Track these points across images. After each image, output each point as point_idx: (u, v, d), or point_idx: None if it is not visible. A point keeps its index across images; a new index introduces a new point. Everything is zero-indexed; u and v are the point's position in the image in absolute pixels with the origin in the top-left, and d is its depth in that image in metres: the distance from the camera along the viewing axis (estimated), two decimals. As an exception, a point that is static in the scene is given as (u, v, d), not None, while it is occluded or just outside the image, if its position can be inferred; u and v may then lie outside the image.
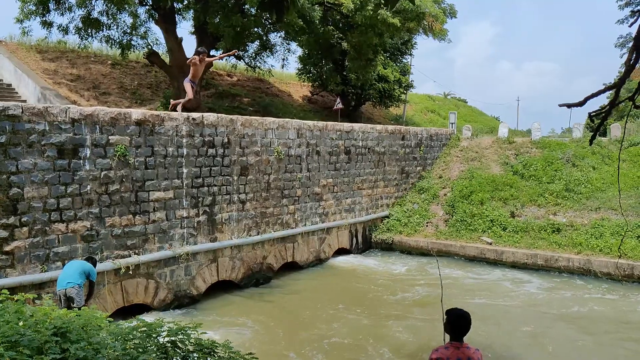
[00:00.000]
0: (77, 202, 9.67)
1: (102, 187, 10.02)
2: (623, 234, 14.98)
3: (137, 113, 10.66)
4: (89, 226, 9.82)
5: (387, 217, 18.74)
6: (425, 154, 21.02)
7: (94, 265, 8.56)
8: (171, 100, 12.03)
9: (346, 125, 16.85)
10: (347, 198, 16.96)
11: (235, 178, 12.77)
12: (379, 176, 18.49)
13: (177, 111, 11.50)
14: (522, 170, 19.26)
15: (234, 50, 11.86)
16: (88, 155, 9.79)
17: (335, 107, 22.19)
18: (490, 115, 49.73)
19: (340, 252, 16.93)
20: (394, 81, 25.29)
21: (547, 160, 19.30)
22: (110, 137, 10.14)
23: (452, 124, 25.58)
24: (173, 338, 4.35)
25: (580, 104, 2.80)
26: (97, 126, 9.95)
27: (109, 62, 19.65)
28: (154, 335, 4.34)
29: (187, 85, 11.62)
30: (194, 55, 11.24)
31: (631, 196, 16.57)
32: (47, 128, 9.26)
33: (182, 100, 12.02)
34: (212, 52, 18.61)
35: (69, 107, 9.66)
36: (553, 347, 9.72)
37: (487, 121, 42.20)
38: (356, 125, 17.43)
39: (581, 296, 12.93)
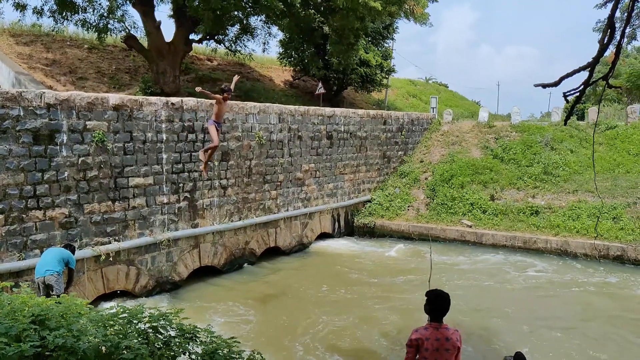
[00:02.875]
0: (55, 189, 9.51)
1: (80, 174, 9.86)
2: (598, 215, 15.31)
3: (114, 98, 10.48)
4: (67, 213, 9.68)
5: (369, 201, 18.84)
6: (406, 138, 21.10)
7: (73, 253, 8.46)
8: (201, 152, 10.24)
9: (328, 110, 16.80)
10: (329, 183, 16.99)
11: (216, 163, 12.67)
12: (361, 161, 18.53)
13: (202, 160, 10.23)
14: (502, 154, 19.49)
15: (237, 77, 11.08)
16: (65, 141, 9.60)
17: (317, 92, 22.09)
18: (471, 100, 50.07)
19: (323, 236, 17.01)
20: (375, 65, 25.23)
21: (527, 144, 19.56)
22: (87, 123, 9.95)
23: (433, 108, 25.69)
24: (154, 324, 4.33)
25: (556, 84, 2.83)
26: (74, 111, 9.75)
27: (86, 46, 19.20)
28: (135, 321, 4.32)
29: (212, 129, 9.82)
30: (217, 93, 9.86)
31: (607, 179, 16.91)
32: (22, 113, 9.04)
33: (209, 147, 10.15)
34: (192, 36, 18.32)
35: (44, 92, 9.44)
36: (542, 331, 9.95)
37: (468, 106, 42.49)
38: (338, 110, 17.40)
39: (586, 279, 13.00)
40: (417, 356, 4.53)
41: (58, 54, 17.91)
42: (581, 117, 31.16)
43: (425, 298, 4.58)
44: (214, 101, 9.95)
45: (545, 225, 15.78)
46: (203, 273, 12.62)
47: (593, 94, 39.24)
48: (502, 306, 10.95)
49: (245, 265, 13.71)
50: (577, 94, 2.73)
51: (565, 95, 2.76)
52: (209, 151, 10.18)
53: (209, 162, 10.58)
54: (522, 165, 18.65)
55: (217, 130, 9.92)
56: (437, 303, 4.46)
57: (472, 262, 14.57)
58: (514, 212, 16.62)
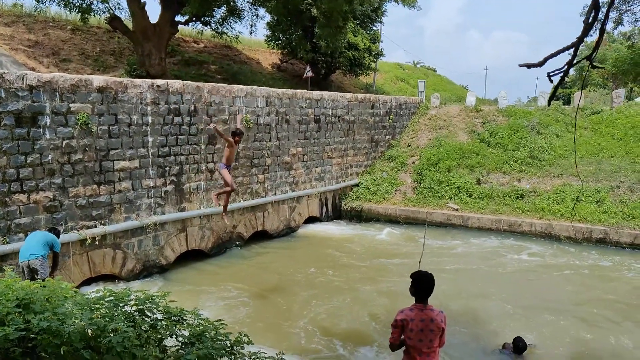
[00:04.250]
0: (39, 172, 9.38)
1: (64, 157, 9.73)
2: (582, 198, 15.53)
3: (98, 80, 10.31)
4: (51, 197, 9.57)
5: (357, 185, 18.89)
6: (394, 122, 21.11)
7: (58, 236, 8.39)
8: (214, 197, 9.78)
9: (316, 94, 16.72)
10: (317, 167, 16.98)
11: (203, 147, 12.58)
12: (349, 145, 18.53)
13: (216, 203, 10.00)
14: (489, 138, 19.61)
15: (241, 115, 10.69)
16: (48, 123, 9.45)
17: (305, 76, 21.94)
18: (459, 84, 50.16)
19: (311, 220, 17.06)
20: (364, 49, 25.10)
21: (513, 128, 19.69)
22: (71, 105, 9.79)
23: (421, 92, 25.68)
24: (141, 307, 4.33)
25: (540, 64, 2.84)
26: (57, 93, 9.58)
27: (69, 27, 18.82)
28: (121, 304, 4.31)
29: (225, 172, 9.42)
30: (230, 136, 9.14)
31: (592, 163, 17.12)
32: (3, 95, 8.86)
33: (224, 190, 9.72)
34: (178, 18, 18.03)
35: (26, 74, 9.25)
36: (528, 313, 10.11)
37: (456, 90, 42.57)
38: (326, 94, 17.32)
39: (579, 262, 13.13)
40: (402, 336, 4.59)
41: (40, 35, 17.54)
42: (567, 102, 31.39)
43: (410, 280, 4.63)
44: (217, 129, 9.32)
45: (530, 208, 15.97)
46: (191, 257, 12.61)
47: (579, 78, 39.49)
48: (493, 289, 11.01)
49: (233, 249, 13.72)
50: (562, 74, 2.74)
51: (549, 76, 2.78)
52: (225, 195, 9.73)
53: (224, 204, 9.95)
54: (508, 150, 18.79)
55: (229, 172, 9.50)
56: (421, 284, 4.52)
57: (464, 245, 14.66)
58: (500, 195, 16.78)
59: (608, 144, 17.97)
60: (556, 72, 2.75)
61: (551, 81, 2.80)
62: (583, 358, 7.96)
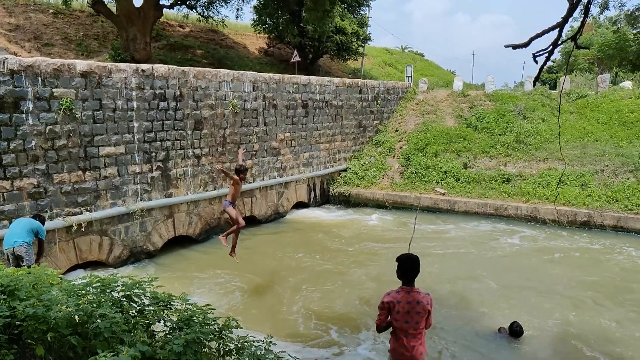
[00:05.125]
0: (22, 159, 9.25)
1: (48, 143, 9.59)
2: (567, 182, 15.72)
3: (82, 64, 10.13)
4: (35, 183, 9.45)
5: (345, 170, 18.92)
6: (382, 107, 21.10)
7: (43, 223, 8.30)
8: (222, 238, 9.49)
9: (303, 78, 16.62)
10: (305, 152, 16.95)
11: (189, 132, 12.48)
12: (337, 130, 18.50)
13: (224, 245, 9.52)
14: (476, 122, 19.69)
15: (242, 150, 10.36)
16: (31, 109, 9.29)
17: (292, 60, 21.78)
18: (447, 69, 50.18)
19: (299, 205, 17.08)
20: (351, 33, 24.94)
21: (500, 112, 19.78)
22: (54, 90, 9.63)
23: (408, 77, 25.64)
24: (128, 293, 4.32)
25: (525, 44, 2.85)
26: (39, 78, 9.41)
27: (51, 11, 18.42)
28: (108, 290, 4.29)
29: (231, 210, 9.29)
30: (234, 174, 9.05)
31: (577, 147, 17.30)
32: (-16, 80, 8.69)
33: (233, 230, 9.57)
34: (163, 2, 17.73)
35: (7, 58, 9.06)
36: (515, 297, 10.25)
37: (443, 75, 42.58)
38: (313, 78, 17.23)
39: (570, 245, 13.26)
40: (389, 318, 4.65)
41: (22, 19, 17.16)
42: (553, 87, 31.58)
43: (397, 263, 4.67)
44: (223, 170, 9.05)
45: (516, 192, 16.13)
46: (178, 243, 12.57)
47: (565, 63, 39.70)
48: (485, 273, 11.08)
49: (221, 234, 13.68)
50: (546, 54, 2.75)
51: (534, 56, 2.78)
52: (234, 234, 9.52)
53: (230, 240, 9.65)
54: (495, 134, 18.90)
55: (234, 208, 9.32)
56: (407, 267, 4.56)
57: (456, 230, 14.73)
58: (486, 179, 16.92)
59: (593, 128, 18.15)
60: (541, 53, 2.76)
61: (536, 62, 2.81)
62: (575, 338, 8.05)
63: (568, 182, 15.79)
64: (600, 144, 17.22)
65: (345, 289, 10.09)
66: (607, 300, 9.64)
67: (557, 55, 49.93)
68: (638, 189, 14.85)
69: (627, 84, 21.21)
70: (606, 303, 9.49)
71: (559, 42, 2.83)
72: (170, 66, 12.03)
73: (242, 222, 9.44)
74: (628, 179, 15.37)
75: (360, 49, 27.82)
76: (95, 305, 3.94)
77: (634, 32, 29.66)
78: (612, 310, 9.16)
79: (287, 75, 15.99)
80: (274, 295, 9.78)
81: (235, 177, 9.11)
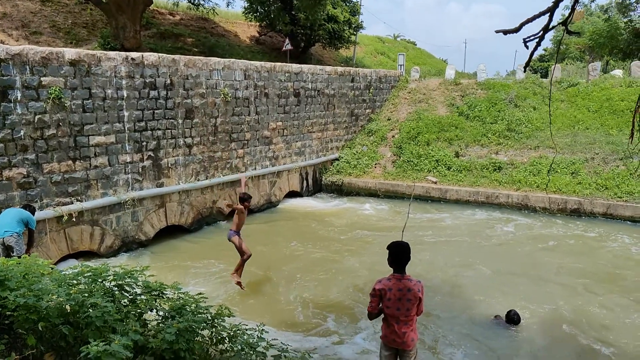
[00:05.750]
0: (11, 148, 9.15)
1: (37, 132, 9.49)
2: (558, 170, 15.82)
3: (70, 52, 10.00)
4: (25, 173, 9.36)
5: (337, 159, 18.92)
6: (374, 96, 21.06)
7: (33, 213, 8.25)
8: (232, 275, 9.16)
9: (295, 67, 16.53)
10: (297, 141, 16.91)
11: (180, 121, 12.40)
12: (329, 119, 18.46)
13: (237, 280, 9.15)
14: (467, 111, 19.72)
15: (244, 178, 10.12)
16: (19, 98, 9.18)
17: (284, 48, 21.64)
18: (439, 58, 50.14)
19: (291, 194, 17.07)
20: (343, 22, 24.79)
21: (491, 101, 19.82)
22: (42, 79, 9.51)
23: (400, 65, 25.60)
24: (120, 282, 4.31)
25: (516, 29, 2.85)
26: (27, 67, 9.28)
27: (38, -3, 18.12)
28: (99, 280, 4.28)
29: (236, 239, 9.09)
30: (240, 204, 8.88)
31: (567, 135, 17.40)
32: (-30, 68, 8.56)
33: (242, 262, 9.26)
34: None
35: (-6, 46, 8.93)
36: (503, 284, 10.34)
37: (436, 63, 42.55)
38: (305, 67, 17.14)
39: (564, 233, 13.36)
40: (381, 305, 4.68)
41: (8, 7, 16.88)
42: (545, 75, 31.65)
43: (388, 251, 4.69)
44: (228, 205, 8.94)
45: (507, 180, 16.22)
46: (171, 232, 12.55)
47: (556, 51, 39.76)
48: (480, 261, 11.13)
49: (214, 224, 13.68)
50: (537, 39, 2.75)
51: (525, 41, 2.78)
52: (240, 265, 9.27)
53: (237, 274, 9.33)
54: (486, 123, 18.95)
55: (239, 238, 9.13)
56: (397, 254, 4.58)
57: (451, 218, 14.77)
58: (478, 168, 16.99)
59: (584, 116, 18.24)
60: (532, 38, 2.76)
61: (527, 47, 2.81)
62: (569, 325, 8.12)
63: (559, 170, 15.90)
64: (591, 132, 17.32)
65: (340, 277, 10.13)
66: (600, 287, 9.75)
67: (548, 43, 50.04)
68: (627, 176, 14.99)
69: (618, 72, 21.30)
70: (599, 290, 9.59)
71: (550, 28, 2.83)
72: (160, 54, 11.91)
73: (249, 252, 9.16)
74: (618, 166, 15.49)
75: (353, 38, 27.68)
76: (86, 294, 3.93)
77: (625, 20, 29.79)
78: (605, 297, 9.25)
79: (278, 64, 15.89)
80: (269, 285, 9.79)
81: (240, 206, 8.94)
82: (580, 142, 16.81)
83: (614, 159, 15.79)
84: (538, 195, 15.25)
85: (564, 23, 2.96)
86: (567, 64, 31.80)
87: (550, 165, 15.85)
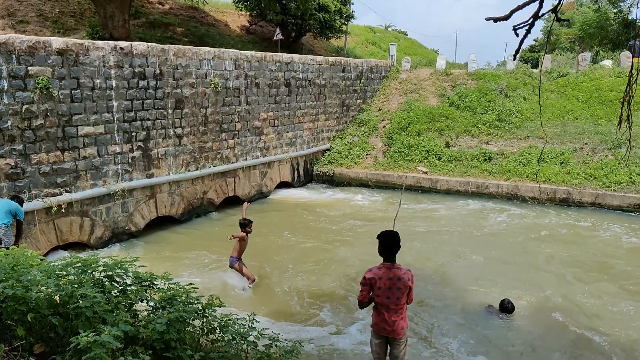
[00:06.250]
0: (-2, 139, 9.04)
1: (24, 122, 9.37)
2: (547, 160, 15.94)
3: (58, 42, 9.87)
4: (13, 164, 9.26)
5: (328, 150, 18.91)
6: (365, 86, 21.02)
7: (21, 204, 8.18)
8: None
9: (286, 56, 16.44)
10: (288, 132, 16.86)
11: (170, 111, 12.31)
12: (320, 109, 18.41)
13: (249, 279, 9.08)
14: (458, 101, 19.76)
15: (246, 204, 9.93)
16: (5, 87, 9.05)
17: (274, 38, 21.49)
18: (430, 48, 50.10)
19: (283, 185, 17.06)
20: (334, 11, 24.63)
21: (482, 91, 19.87)
22: (29, 68, 9.37)
23: (391, 55, 25.53)
24: (110, 273, 4.30)
25: (506, 17, 2.85)
26: (14, 56, 9.14)
27: (24, -15, 17.82)
28: (89, 270, 4.26)
29: (239, 266, 8.94)
30: (241, 230, 8.81)
31: (557, 125, 17.50)
32: (-45, 58, 8.42)
33: (251, 280, 9.11)
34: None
35: (-21, 35, 8.78)
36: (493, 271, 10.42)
37: (427, 54, 42.52)
38: (296, 56, 17.05)
39: (557, 222, 13.46)
40: (371, 293, 4.71)
41: (-7, -5, 16.58)
42: (535, 65, 31.75)
43: (378, 240, 4.71)
44: (232, 237, 8.80)
45: (497, 170, 16.31)
46: (161, 223, 12.50)
47: (548, 42, 39.85)
48: (471, 251, 11.16)
49: (205, 214, 13.65)
50: (527, 27, 2.75)
51: (515, 29, 2.78)
52: (245, 271, 9.12)
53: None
54: (477, 113, 19.00)
55: (241, 262, 8.98)
56: (386, 243, 4.61)
57: (444, 209, 14.80)
58: (468, 158, 17.06)
59: (573, 106, 18.35)
60: (522, 25, 2.76)
61: (517, 34, 2.81)
62: (562, 313, 8.20)
63: (548, 160, 16.01)
64: (580, 123, 17.44)
65: (332, 267, 10.16)
66: (591, 275, 9.86)
67: (539, 34, 50.14)
68: (616, 166, 15.13)
69: (607, 63, 21.43)
70: (590, 279, 9.69)
71: (540, 15, 2.83)
72: (149, 44, 11.79)
73: (252, 276, 9.00)
74: (606, 156, 15.63)
75: (344, 27, 27.54)
76: (76, 285, 3.91)
77: (615, 11, 29.91)
78: (595, 286, 9.36)
79: (269, 54, 15.79)
80: (263, 275, 9.77)
81: (242, 234, 8.84)
82: (570, 132, 16.93)
83: (602, 148, 15.92)
84: (528, 185, 15.36)
85: (554, 10, 2.96)
86: (557, 54, 31.93)
87: (540, 155, 15.97)
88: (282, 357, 3.89)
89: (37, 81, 9.45)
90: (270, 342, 4.11)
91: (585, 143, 16.25)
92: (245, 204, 9.74)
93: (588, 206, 14.59)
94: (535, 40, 49.67)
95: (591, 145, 16.13)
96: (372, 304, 4.80)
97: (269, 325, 7.01)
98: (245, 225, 8.91)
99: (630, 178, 14.66)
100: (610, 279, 9.71)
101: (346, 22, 27.75)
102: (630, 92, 2.95)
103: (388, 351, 4.92)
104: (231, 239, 8.83)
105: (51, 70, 9.72)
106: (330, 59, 18.99)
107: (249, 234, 8.99)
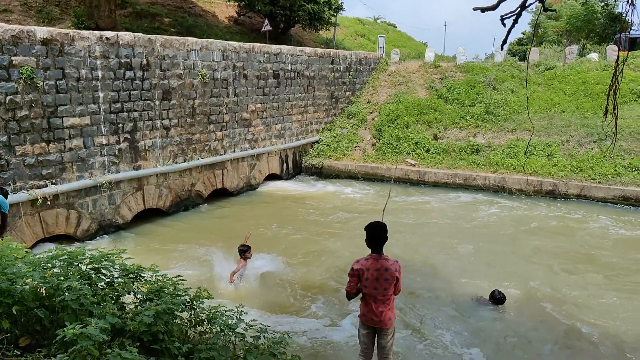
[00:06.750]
0: (-19, 130, 8.90)
1: (8, 113, 9.23)
2: (534, 152, 16.08)
3: (42, 31, 9.71)
4: (-3, 156, 9.13)
5: (317, 142, 18.88)
6: (354, 78, 20.99)
7: (5, 197, 8.06)
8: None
9: (274, 48, 16.34)
10: (276, 124, 16.80)
11: (157, 103, 12.19)
12: (309, 101, 18.36)
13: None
14: (446, 94, 19.82)
15: (248, 234, 9.73)
16: (-12, 78, 8.90)
17: (263, 29, 21.34)
18: (419, 40, 50.07)
19: (271, 177, 17.02)
20: (323, 2, 24.51)
21: (470, 84, 19.94)
22: (13, 58, 9.21)
23: (380, 48, 25.50)
24: (96, 265, 4.27)
25: (494, 7, 2.85)
26: (-4, 45, 8.99)
27: (6, -27, 17.47)
28: (75, 263, 4.23)
29: (233, 275, 8.75)
30: (240, 257, 8.75)
31: (544, 118, 17.64)
32: (-64, 47, 8.25)
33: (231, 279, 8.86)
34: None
35: (-39, 23, 8.61)
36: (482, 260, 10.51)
37: (416, 46, 42.51)
38: (285, 48, 16.96)
39: (547, 214, 13.57)
40: (359, 284, 4.73)
41: (-25, -17, 16.24)
42: (522, 58, 31.90)
43: (365, 232, 4.72)
44: (234, 274, 8.68)
45: (484, 162, 16.42)
46: (149, 216, 12.42)
47: (537, 35, 40.06)
48: (461, 243, 11.19)
49: (193, 207, 13.58)
50: (514, 17, 2.76)
51: (502, 18, 2.79)
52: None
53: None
54: (465, 105, 19.08)
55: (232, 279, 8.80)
56: (373, 234, 4.63)
57: (435, 201, 14.84)
58: (456, 150, 17.15)
59: (560, 99, 18.50)
60: (509, 15, 2.77)
61: (504, 24, 2.82)
62: (551, 304, 8.28)
63: (535, 153, 16.15)
64: (567, 115, 17.59)
65: (322, 258, 10.16)
66: (579, 267, 9.96)
67: (527, 27, 50.34)
68: (601, 158, 15.31)
69: (594, 56, 21.61)
70: (579, 270, 9.80)
71: (527, 5, 2.83)
72: (136, 34, 11.64)
73: (232, 279, 8.75)
74: (592, 149, 15.80)
75: (333, 19, 27.42)
76: (62, 278, 3.88)
77: (602, 4, 30.11)
78: (583, 277, 9.47)
79: (257, 45, 15.69)
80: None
81: (243, 262, 8.83)
82: (556, 124, 17.07)
83: (588, 141, 16.09)
84: (515, 177, 15.49)
85: (541, 0, 2.97)
86: (544, 47, 32.11)
87: (527, 147, 16.10)
88: (271, 348, 3.90)
89: (21, 71, 9.30)
90: (259, 333, 4.11)
91: (572, 135, 16.41)
92: (247, 233, 9.61)
93: (574, 198, 14.76)
94: (523, 34, 49.93)
95: (577, 137, 16.30)
96: (360, 294, 4.83)
97: (263, 318, 7.03)
98: (244, 251, 8.90)
99: (615, 170, 14.85)
100: (597, 270, 9.83)
101: (335, 14, 27.63)
102: (616, 83, 2.98)
103: (376, 341, 4.96)
104: (232, 274, 8.66)
105: (35, 60, 9.56)
106: (319, 50, 18.92)
107: (247, 259, 8.94)
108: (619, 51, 3.30)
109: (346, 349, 6.84)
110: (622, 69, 3.07)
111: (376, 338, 4.94)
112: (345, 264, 9.66)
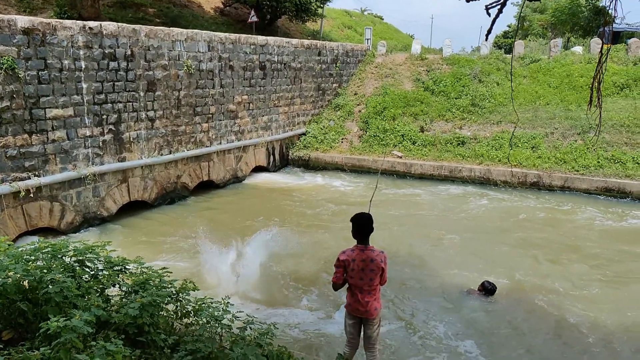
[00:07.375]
0: (-39, 121, 8.73)
1: (-11, 104, 9.06)
2: (519, 144, 16.23)
3: (23, 20, 9.52)
4: (-22, 147, 8.97)
5: (304, 134, 18.85)
6: (341, 70, 20.95)
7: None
8: None
9: (260, 39, 16.23)
10: (263, 115, 16.73)
11: (142, 94, 12.05)
12: (296, 93, 18.30)
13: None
14: (433, 86, 19.88)
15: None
16: (-32, 68, 8.72)
17: (249, 21, 21.18)
18: (406, 33, 50.10)
19: (258, 169, 16.97)
20: (310, -7, 24.37)
21: (456, 76, 20.02)
22: (-7, 48, 9.04)
23: (367, 40, 25.47)
24: (81, 257, 4.23)
25: (480, -5, 2.86)
26: (-24, 35, 8.80)
27: (-14, -39, 17.08)
28: (59, 255, 4.18)
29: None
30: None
31: (529, 110, 17.80)
32: None
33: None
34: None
35: (-62, 12, 8.41)
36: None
37: (402, 38, 42.52)
38: (271, 39, 16.85)
39: (535, 205, 13.63)
40: (345, 275, 4.75)
41: (-47, -30, 15.85)
42: (508, 51, 32.10)
43: (351, 223, 4.74)
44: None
45: (470, 154, 16.53)
46: (134, 208, 12.31)
47: (522, 28, 40.31)
48: (449, 235, 11.25)
49: (179, 199, 13.50)
50: (499, 6, 2.77)
51: (487, 8, 2.79)
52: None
53: None
54: (451, 98, 19.17)
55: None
56: (360, 225, 4.64)
57: (425, 193, 14.86)
58: (442, 142, 17.24)
59: (545, 91, 18.66)
60: (494, 4, 2.78)
61: (489, 14, 2.83)
62: (540, 295, 8.37)
63: (520, 145, 16.30)
64: (551, 108, 17.76)
65: (311, 250, 10.14)
66: (566, 257, 10.08)
67: (512, 20, 50.59)
68: (584, 150, 15.50)
69: (578, 49, 21.80)
70: (566, 261, 9.92)
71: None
72: (119, 24, 11.47)
73: None
74: (576, 141, 15.99)
75: (320, 10, 27.29)
76: (45, 270, 3.84)
77: (586, -3, 30.32)
78: (570, 267, 9.60)
79: (243, 35, 15.57)
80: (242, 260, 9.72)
81: None
82: (541, 117, 17.23)
83: (572, 133, 16.27)
84: (500, 169, 15.63)
85: (524, -10, 2.98)
86: (530, 40, 32.31)
87: (511, 138, 16.23)
88: (257, 339, 3.90)
89: (1, 61, 9.12)
90: (245, 325, 4.11)
91: (556, 128, 16.58)
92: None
93: (558, 190, 14.94)
94: (509, 27, 50.17)
95: (561, 130, 16.47)
96: (347, 285, 4.85)
97: (258, 312, 7.02)
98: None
99: (598, 162, 15.05)
100: (582, 260, 9.97)
101: (322, 5, 27.49)
102: (600, 73, 3.01)
103: (362, 331, 4.99)
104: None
105: (17, 50, 9.39)
106: (306, 42, 18.84)
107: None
108: (602, 44, 3.32)
109: (340, 341, 6.86)
110: (606, 59, 3.10)
111: (362, 328, 4.97)
112: (335, 255, 9.67)
